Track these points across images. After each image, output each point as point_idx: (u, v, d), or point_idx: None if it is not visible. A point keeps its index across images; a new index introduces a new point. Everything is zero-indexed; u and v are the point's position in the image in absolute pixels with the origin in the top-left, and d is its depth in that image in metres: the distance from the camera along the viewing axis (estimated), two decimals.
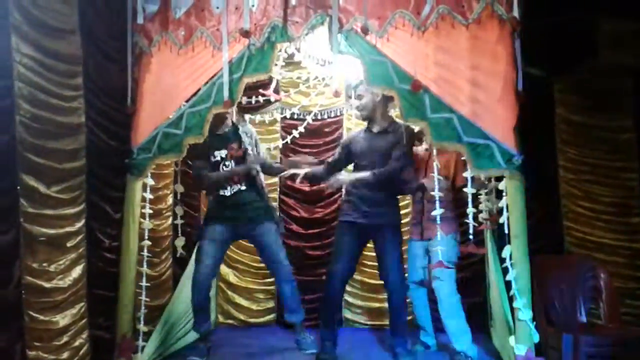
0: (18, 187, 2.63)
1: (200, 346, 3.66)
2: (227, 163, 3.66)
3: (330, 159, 3.79)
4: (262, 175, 3.80)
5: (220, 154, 3.66)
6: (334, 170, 3.64)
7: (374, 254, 4.58)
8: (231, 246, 4.65)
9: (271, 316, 4.86)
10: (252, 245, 4.67)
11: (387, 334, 4.24)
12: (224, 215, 3.66)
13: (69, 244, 2.91)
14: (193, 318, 3.68)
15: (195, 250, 3.85)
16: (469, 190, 3.31)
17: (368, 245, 4.50)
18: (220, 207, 3.68)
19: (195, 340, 3.81)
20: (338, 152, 3.72)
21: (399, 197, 3.72)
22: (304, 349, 3.75)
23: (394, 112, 4.40)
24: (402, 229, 3.69)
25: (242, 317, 4.84)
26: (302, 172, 3.57)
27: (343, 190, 3.84)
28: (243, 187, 3.66)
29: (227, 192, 3.66)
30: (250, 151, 3.69)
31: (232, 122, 3.78)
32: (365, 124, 3.65)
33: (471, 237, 3.37)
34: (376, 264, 3.97)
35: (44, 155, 2.75)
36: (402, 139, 3.47)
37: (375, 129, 3.55)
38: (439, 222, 3.30)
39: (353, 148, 3.61)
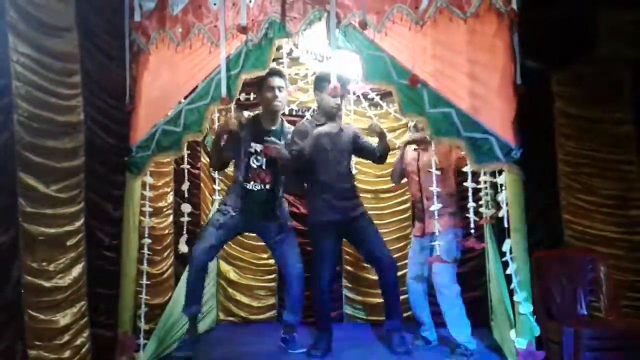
0: (16, 186, 2.62)
1: (185, 340, 3.55)
2: (258, 158, 3.59)
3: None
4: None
5: (257, 147, 3.59)
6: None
7: None
8: (230, 243, 4.66)
9: (272, 313, 4.86)
10: (254, 242, 4.70)
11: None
12: (241, 206, 3.58)
13: (68, 243, 2.92)
14: (185, 298, 3.56)
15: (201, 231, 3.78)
16: (469, 184, 3.31)
17: None
18: (240, 199, 3.59)
19: (209, 327, 3.77)
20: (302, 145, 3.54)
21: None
22: (293, 349, 3.72)
23: (392, 108, 4.44)
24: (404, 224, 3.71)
25: (242, 314, 4.84)
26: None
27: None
28: (268, 187, 3.61)
29: (254, 188, 3.59)
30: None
31: (282, 120, 3.73)
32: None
33: (472, 231, 3.38)
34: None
35: (42, 154, 2.75)
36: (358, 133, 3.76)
37: (335, 126, 3.59)
38: (436, 216, 3.30)
39: (318, 142, 3.55)
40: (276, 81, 3.55)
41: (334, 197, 3.54)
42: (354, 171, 4.31)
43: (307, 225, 3.76)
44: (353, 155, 3.89)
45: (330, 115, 3.57)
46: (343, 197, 3.57)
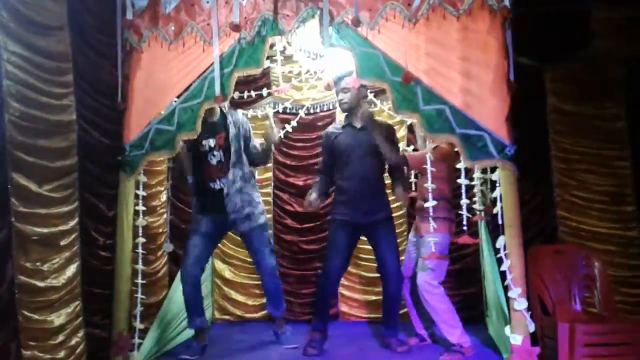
0: (9, 186, 2.61)
1: (193, 344, 3.61)
2: (215, 153, 3.60)
3: (320, 168, 3.85)
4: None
5: (209, 143, 3.60)
6: (325, 176, 3.75)
7: (368, 247, 4.63)
8: (226, 242, 4.66)
9: (267, 311, 4.85)
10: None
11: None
12: (210, 208, 3.63)
13: (62, 243, 2.90)
14: (187, 314, 3.65)
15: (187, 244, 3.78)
16: (463, 181, 3.31)
17: (362, 239, 4.53)
18: (207, 199, 3.63)
19: (190, 337, 3.76)
20: (325, 156, 3.76)
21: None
22: (284, 343, 3.77)
23: (386, 105, 4.44)
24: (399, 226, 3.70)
25: (238, 312, 4.84)
26: (311, 202, 3.63)
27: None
28: (231, 183, 3.58)
29: (216, 186, 3.60)
30: (234, 142, 3.60)
31: (222, 110, 3.70)
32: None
33: (465, 228, 3.38)
34: (372, 257, 3.99)
35: (34, 153, 2.73)
36: (390, 135, 3.61)
37: (358, 124, 3.60)
38: (431, 213, 3.30)
39: (337, 145, 3.62)
40: None
41: (352, 197, 3.55)
42: None
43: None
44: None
45: (343, 111, 3.64)
46: (362, 197, 3.54)
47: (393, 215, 3.75)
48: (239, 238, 4.65)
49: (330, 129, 3.80)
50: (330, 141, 3.67)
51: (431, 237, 3.37)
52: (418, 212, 3.71)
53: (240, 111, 3.87)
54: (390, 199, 3.75)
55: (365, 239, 3.83)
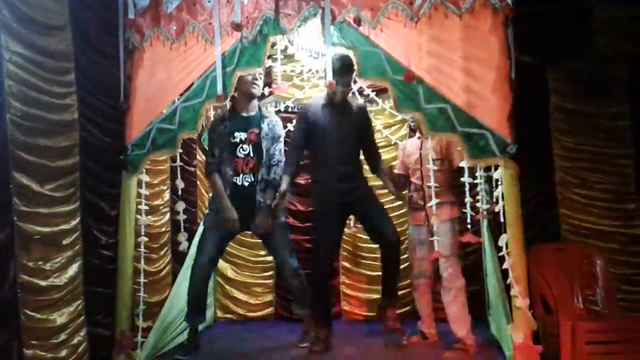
0: (10, 186, 2.62)
1: (186, 344, 3.59)
2: (244, 147, 3.57)
3: (295, 143, 3.69)
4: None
5: (241, 136, 3.57)
6: (299, 152, 3.70)
7: (370, 245, 4.66)
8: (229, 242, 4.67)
9: (269, 310, 4.86)
10: (251, 240, 4.69)
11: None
12: (233, 204, 3.54)
13: (64, 242, 2.91)
14: (187, 310, 3.60)
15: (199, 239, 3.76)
16: (466, 179, 3.32)
17: (363, 237, 4.55)
18: (231, 196, 3.54)
19: (187, 336, 3.69)
20: (302, 132, 3.65)
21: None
22: (302, 342, 3.71)
23: (388, 104, 4.43)
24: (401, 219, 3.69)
25: (240, 311, 4.85)
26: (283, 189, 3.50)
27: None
28: (258, 178, 3.57)
29: (239, 181, 3.57)
30: (265, 140, 3.60)
31: (259, 106, 3.72)
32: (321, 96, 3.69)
33: (469, 226, 3.39)
34: (373, 255, 4.02)
35: (36, 153, 2.74)
36: (369, 121, 3.76)
37: (339, 109, 3.59)
38: (434, 212, 3.31)
39: (316, 124, 3.60)
40: None
41: (331, 179, 3.56)
42: None
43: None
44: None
45: (333, 100, 3.59)
46: (342, 179, 3.55)
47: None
48: (243, 238, 4.70)
49: (309, 105, 3.71)
50: (308, 118, 3.62)
51: (445, 225, 3.51)
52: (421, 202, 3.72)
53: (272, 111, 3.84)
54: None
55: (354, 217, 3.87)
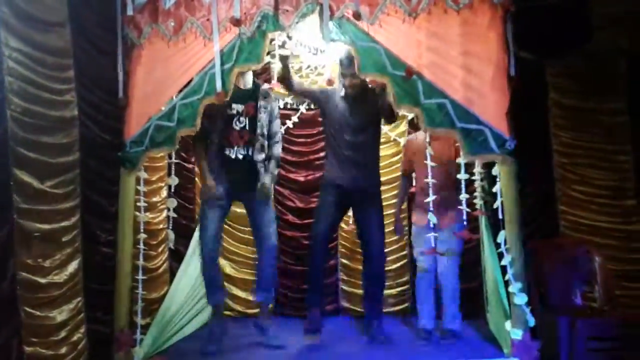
0: (11, 183, 2.61)
1: (213, 328, 3.64)
2: (241, 119, 3.61)
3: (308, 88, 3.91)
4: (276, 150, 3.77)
5: (238, 107, 3.61)
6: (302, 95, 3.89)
7: None
8: (227, 238, 4.67)
9: (256, 299, 4.85)
10: (250, 237, 4.67)
11: (386, 321, 4.28)
12: (225, 178, 3.62)
13: (64, 239, 2.90)
14: (205, 289, 3.68)
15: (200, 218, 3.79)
16: (462, 176, 3.32)
17: None
18: (222, 169, 3.62)
19: (207, 321, 3.79)
20: (315, 91, 3.85)
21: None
22: (269, 342, 3.66)
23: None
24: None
25: (239, 308, 4.85)
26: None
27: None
28: (250, 152, 3.62)
29: (233, 154, 3.61)
30: (262, 112, 3.65)
31: (255, 81, 3.75)
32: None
33: (465, 222, 3.40)
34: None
35: (36, 149, 2.74)
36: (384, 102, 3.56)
37: (353, 97, 3.64)
38: (431, 208, 3.32)
39: (332, 108, 3.68)
40: None
41: (344, 161, 3.63)
42: None
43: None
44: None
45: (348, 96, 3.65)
46: (352, 165, 3.62)
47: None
48: (242, 235, 4.70)
49: (326, 91, 3.83)
50: (325, 99, 3.73)
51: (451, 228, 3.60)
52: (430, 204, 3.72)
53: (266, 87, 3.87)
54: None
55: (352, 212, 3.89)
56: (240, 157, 3.61)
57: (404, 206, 4.53)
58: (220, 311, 3.72)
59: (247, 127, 3.62)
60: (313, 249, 3.70)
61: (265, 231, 3.71)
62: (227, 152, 3.61)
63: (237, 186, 3.63)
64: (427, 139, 3.51)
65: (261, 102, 3.67)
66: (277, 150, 3.76)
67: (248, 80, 3.69)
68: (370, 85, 3.66)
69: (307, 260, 3.78)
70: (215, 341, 3.56)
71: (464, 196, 3.30)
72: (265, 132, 3.69)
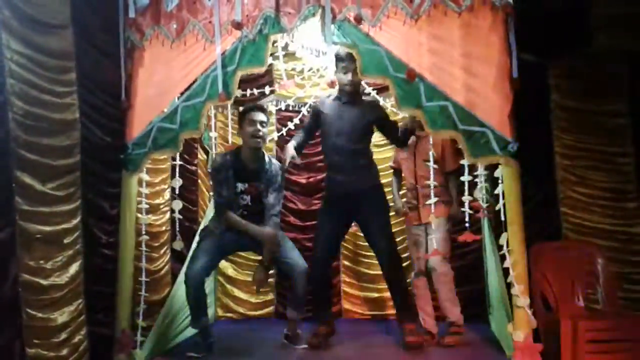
0: (13, 185, 2.62)
1: (199, 341, 3.59)
2: (244, 197, 3.63)
3: (302, 127, 3.96)
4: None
5: (242, 187, 3.62)
6: (306, 135, 3.87)
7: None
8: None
9: (270, 309, 4.87)
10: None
11: (386, 324, 4.28)
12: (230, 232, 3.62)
13: (65, 241, 2.90)
14: (190, 315, 3.58)
15: (194, 247, 3.80)
16: (466, 178, 3.33)
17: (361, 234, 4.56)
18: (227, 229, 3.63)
19: (194, 335, 3.72)
20: (309, 118, 3.87)
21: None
22: (296, 344, 3.70)
23: (389, 102, 4.43)
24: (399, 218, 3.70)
25: (241, 310, 4.86)
26: (288, 157, 3.63)
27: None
28: (250, 203, 3.65)
29: (241, 202, 3.64)
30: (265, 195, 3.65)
31: (265, 157, 3.71)
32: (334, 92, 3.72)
33: (467, 224, 3.40)
34: (373, 254, 4.00)
35: (38, 152, 2.74)
36: (384, 116, 3.71)
37: (347, 99, 3.64)
38: (432, 210, 3.35)
39: (323, 116, 3.69)
40: (259, 116, 3.58)
41: (338, 171, 3.63)
42: None
43: None
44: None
45: (344, 92, 3.63)
46: (347, 172, 3.60)
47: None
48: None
49: (323, 99, 3.82)
50: (319, 112, 3.74)
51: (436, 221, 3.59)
52: (421, 199, 3.79)
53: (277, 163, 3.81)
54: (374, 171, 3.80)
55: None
56: (244, 204, 3.65)
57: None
58: (208, 331, 3.63)
59: (249, 204, 3.65)
60: (313, 270, 3.65)
61: (291, 259, 3.67)
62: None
63: (247, 238, 3.62)
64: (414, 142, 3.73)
65: (265, 180, 3.65)
66: (273, 223, 3.63)
67: (258, 157, 3.66)
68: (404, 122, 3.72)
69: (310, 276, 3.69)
70: (199, 351, 3.52)
71: (467, 198, 3.32)
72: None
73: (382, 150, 4.81)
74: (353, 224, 3.91)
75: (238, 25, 3.08)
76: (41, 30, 2.81)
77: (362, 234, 4.57)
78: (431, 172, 3.44)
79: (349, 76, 3.53)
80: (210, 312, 4.69)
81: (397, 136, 3.70)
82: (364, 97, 3.81)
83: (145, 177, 3.46)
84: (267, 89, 4.55)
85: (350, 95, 3.63)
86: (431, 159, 3.46)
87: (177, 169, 3.86)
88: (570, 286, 3.56)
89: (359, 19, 2.99)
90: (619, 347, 3.08)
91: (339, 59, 3.48)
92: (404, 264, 4.71)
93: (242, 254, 4.82)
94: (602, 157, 4.06)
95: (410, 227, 3.92)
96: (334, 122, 3.63)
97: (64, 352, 2.84)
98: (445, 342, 3.57)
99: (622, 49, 3.96)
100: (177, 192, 3.86)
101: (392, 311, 4.63)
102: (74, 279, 2.94)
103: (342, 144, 3.60)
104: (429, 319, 3.81)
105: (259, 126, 3.55)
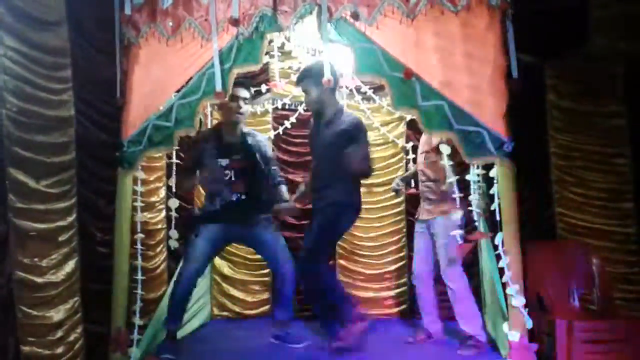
0: (6, 182, 2.61)
1: (170, 343, 3.51)
2: (226, 172, 3.60)
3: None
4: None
5: (222, 162, 3.60)
6: None
7: (367, 244, 4.71)
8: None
9: (266, 308, 4.85)
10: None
11: (383, 323, 4.28)
12: (223, 216, 3.59)
13: (60, 239, 2.90)
14: (167, 313, 3.54)
15: (189, 246, 3.78)
16: (472, 177, 3.34)
17: (362, 235, 4.57)
18: (222, 207, 3.61)
19: (165, 338, 3.60)
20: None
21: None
22: (291, 343, 3.67)
23: (385, 101, 4.42)
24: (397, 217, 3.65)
25: (237, 309, 4.84)
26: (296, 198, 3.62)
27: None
28: (245, 197, 3.61)
29: (232, 197, 3.60)
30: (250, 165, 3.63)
31: (243, 131, 3.71)
32: None
33: (476, 224, 3.40)
34: (371, 253, 4.03)
35: (32, 149, 2.73)
36: (359, 134, 3.35)
37: (323, 120, 3.48)
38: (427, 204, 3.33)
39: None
40: (241, 92, 3.59)
41: (313, 190, 3.52)
42: None
43: None
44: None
45: (314, 111, 3.54)
46: (317, 189, 3.49)
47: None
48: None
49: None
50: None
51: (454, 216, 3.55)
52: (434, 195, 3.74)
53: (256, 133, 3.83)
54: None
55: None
56: (234, 198, 3.60)
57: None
58: (175, 335, 3.59)
59: (233, 179, 3.60)
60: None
61: (281, 260, 3.66)
62: (224, 195, 3.60)
63: (234, 223, 3.58)
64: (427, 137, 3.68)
65: (252, 151, 3.65)
66: (279, 195, 3.71)
67: (238, 131, 3.66)
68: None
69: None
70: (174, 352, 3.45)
71: (457, 195, 3.33)
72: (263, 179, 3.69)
73: (379, 149, 4.81)
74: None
75: (235, 22, 3.07)
76: (36, 27, 2.81)
77: (358, 233, 4.63)
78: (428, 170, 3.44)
79: (307, 97, 3.47)
80: (206, 311, 4.69)
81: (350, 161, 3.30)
82: (345, 112, 3.55)
83: (140, 174, 3.45)
84: (263, 88, 4.54)
85: (317, 115, 3.53)
86: (445, 157, 3.44)
87: (174, 167, 3.85)
88: (566, 286, 3.58)
89: (355, 18, 2.98)
90: (614, 347, 3.09)
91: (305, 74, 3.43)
92: (399, 264, 4.73)
93: (238, 252, 4.82)
94: (598, 157, 4.08)
95: (422, 222, 3.82)
96: (310, 140, 3.60)
97: (60, 350, 2.84)
98: (458, 352, 3.43)
99: (618, 50, 3.98)
100: (173, 190, 3.84)
101: (390, 310, 4.68)
102: (69, 276, 2.93)
103: (316, 161, 3.54)
104: (431, 318, 3.79)
105: (241, 102, 3.58)
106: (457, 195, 3.40)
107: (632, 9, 3.87)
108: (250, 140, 3.70)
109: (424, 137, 3.81)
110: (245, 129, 3.76)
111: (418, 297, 3.85)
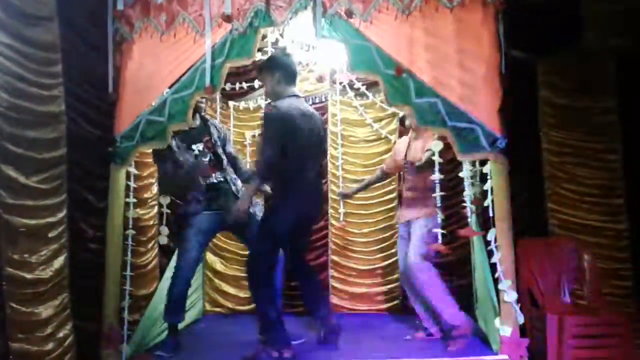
0: None
1: (168, 341, 3.52)
2: (204, 156, 3.59)
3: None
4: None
5: (198, 147, 3.58)
6: None
7: (359, 239, 4.70)
8: (218, 235, 4.64)
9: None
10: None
11: (375, 319, 4.29)
12: (211, 203, 3.57)
13: (50, 235, 2.87)
14: (166, 308, 3.53)
15: (181, 239, 3.76)
16: (465, 174, 3.34)
17: (355, 231, 4.57)
18: (209, 195, 3.57)
19: (166, 334, 3.62)
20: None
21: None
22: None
23: (379, 98, 4.41)
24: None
25: (229, 304, 4.84)
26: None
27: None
28: (221, 178, 3.61)
29: (215, 180, 3.59)
30: (219, 149, 3.64)
31: (201, 115, 3.70)
32: None
33: (469, 220, 3.41)
34: (362, 249, 4.02)
35: (22, 144, 2.71)
36: (264, 128, 3.21)
37: None
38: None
39: (299, 131, 3.49)
40: None
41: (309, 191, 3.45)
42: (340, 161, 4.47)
43: None
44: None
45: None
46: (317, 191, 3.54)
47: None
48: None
49: (286, 109, 3.23)
50: (293, 125, 3.22)
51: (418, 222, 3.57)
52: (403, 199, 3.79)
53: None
54: None
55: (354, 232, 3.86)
56: (216, 181, 3.59)
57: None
58: (177, 329, 3.59)
59: (213, 159, 3.62)
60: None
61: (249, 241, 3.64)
62: (208, 181, 3.59)
63: (224, 214, 3.52)
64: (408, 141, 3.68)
65: (214, 133, 3.66)
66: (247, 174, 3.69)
67: (196, 117, 3.64)
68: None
69: None
70: (168, 350, 3.44)
71: (467, 193, 3.36)
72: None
73: (372, 145, 4.81)
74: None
75: (228, 18, 3.06)
76: (26, 22, 2.77)
77: (350, 229, 4.63)
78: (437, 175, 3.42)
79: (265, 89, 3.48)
80: (198, 307, 4.69)
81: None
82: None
83: (133, 170, 3.43)
84: (256, 83, 4.52)
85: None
86: (437, 161, 3.42)
87: None
88: (557, 282, 3.59)
89: (349, 14, 2.98)
90: (604, 342, 3.11)
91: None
92: (391, 260, 4.73)
93: (230, 248, 4.82)
94: (590, 153, 4.10)
95: (404, 225, 3.85)
96: (305, 135, 3.44)
97: (49, 346, 2.82)
98: (449, 349, 3.33)
99: (610, 47, 3.99)
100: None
101: (381, 306, 4.69)
102: (58, 272, 2.91)
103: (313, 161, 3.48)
104: (421, 314, 3.80)
105: None
106: (438, 194, 3.36)
107: (624, 6, 3.88)
108: (210, 122, 3.74)
109: (413, 144, 3.77)
110: (202, 114, 3.76)
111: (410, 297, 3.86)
